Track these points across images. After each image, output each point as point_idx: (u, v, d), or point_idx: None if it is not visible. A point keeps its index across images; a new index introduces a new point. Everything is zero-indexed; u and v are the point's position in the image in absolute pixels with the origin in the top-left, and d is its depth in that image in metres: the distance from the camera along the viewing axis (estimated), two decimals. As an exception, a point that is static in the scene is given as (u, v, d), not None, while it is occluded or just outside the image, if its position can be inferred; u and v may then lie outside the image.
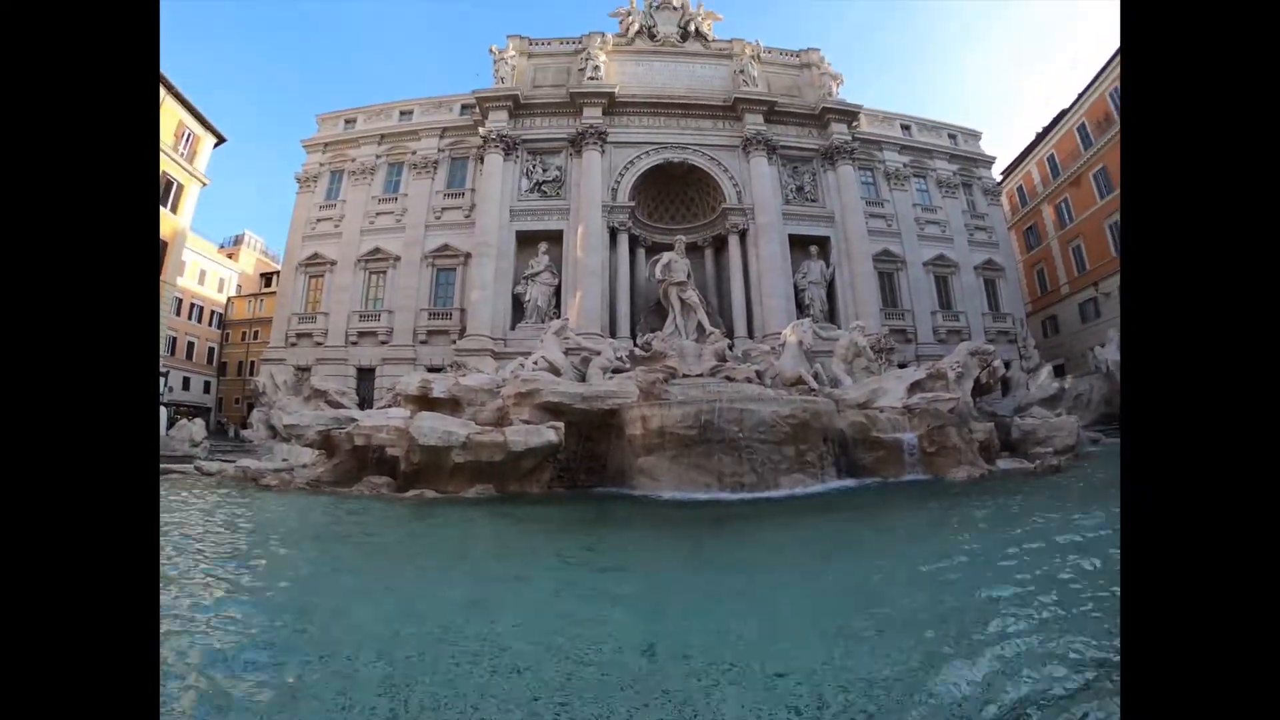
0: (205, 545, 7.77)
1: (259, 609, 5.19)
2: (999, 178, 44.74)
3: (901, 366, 23.53)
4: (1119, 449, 2.66)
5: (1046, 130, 44.74)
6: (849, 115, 34.70)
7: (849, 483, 13.86)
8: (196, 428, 26.92)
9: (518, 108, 32.85)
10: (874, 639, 4.25)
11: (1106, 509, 8.71)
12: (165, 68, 31.43)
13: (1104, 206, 38.38)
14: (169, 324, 38.75)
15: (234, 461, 19.16)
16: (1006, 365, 26.32)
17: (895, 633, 4.33)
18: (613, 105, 32.70)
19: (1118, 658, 3.42)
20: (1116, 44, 37.01)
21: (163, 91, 31.57)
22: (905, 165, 37.54)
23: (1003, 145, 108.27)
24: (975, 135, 41.18)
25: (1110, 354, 27.11)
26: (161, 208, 32.16)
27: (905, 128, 39.26)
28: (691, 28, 36.17)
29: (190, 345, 55.34)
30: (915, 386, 17.49)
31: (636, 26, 35.87)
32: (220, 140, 37.05)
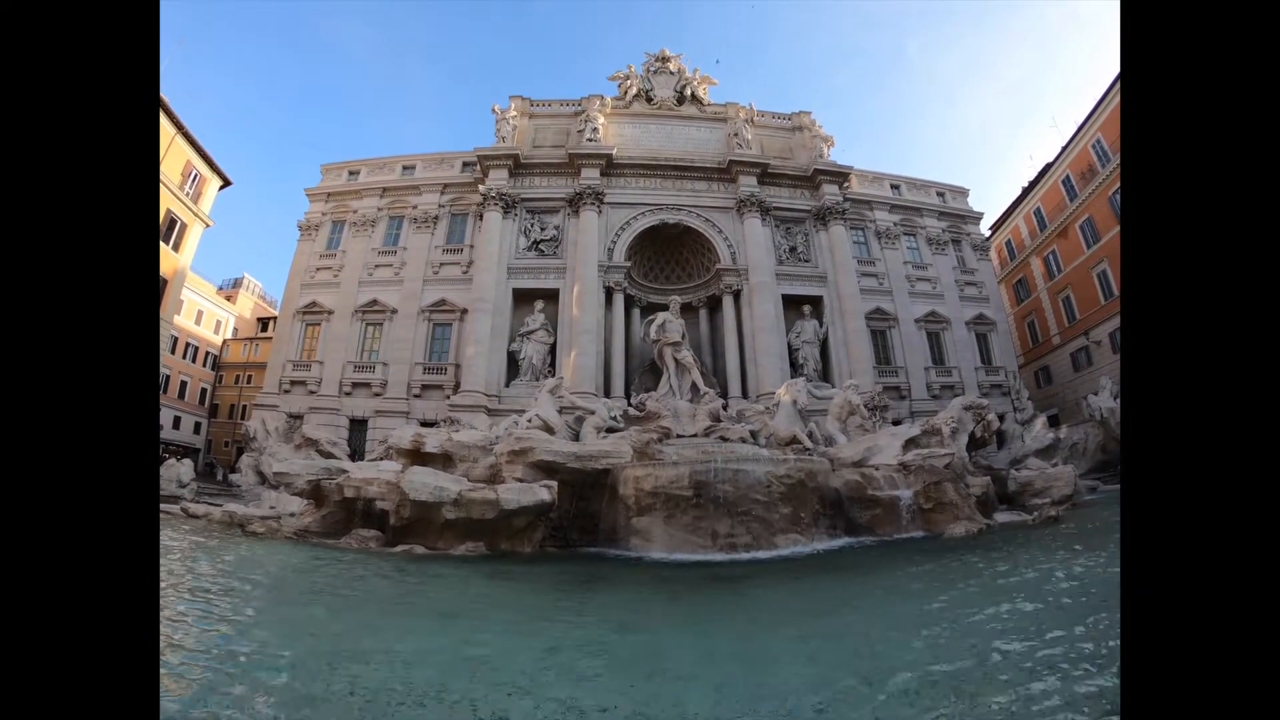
0: (195, 595, 7.58)
1: (240, 659, 5.05)
2: (987, 233, 45.77)
3: (896, 424, 23.62)
4: (1118, 495, 2.72)
5: (1032, 184, 46.03)
6: (840, 176, 35.75)
7: (845, 541, 13.69)
8: (185, 468, 26.48)
9: (518, 167, 33.75)
10: (873, 703, 4.18)
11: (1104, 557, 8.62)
12: (177, 110, 32.69)
13: (1091, 256, 39.21)
14: (163, 361, 38.76)
15: (221, 505, 18.95)
16: (1001, 418, 26.40)
17: (894, 696, 4.27)
18: (610, 166, 33.62)
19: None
20: (1095, 99, 38.73)
21: (173, 131, 32.59)
22: (895, 224, 38.45)
23: (989, 201, 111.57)
24: (963, 192, 42.31)
25: (1104, 401, 27.17)
26: (164, 245, 32.80)
27: (895, 187, 40.39)
28: (687, 92, 37.57)
29: (183, 385, 55.09)
30: (910, 443, 17.50)
31: (634, 90, 37.25)
32: (226, 183, 37.97)
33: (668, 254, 35.02)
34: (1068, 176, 41.68)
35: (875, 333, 34.55)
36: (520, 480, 14.48)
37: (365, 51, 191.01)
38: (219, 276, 70.99)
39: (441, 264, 34.55)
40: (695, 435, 19.13)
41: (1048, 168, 43.91)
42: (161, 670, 4.11)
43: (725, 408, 22.89)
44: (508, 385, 29.81)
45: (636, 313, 32.78)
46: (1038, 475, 18.90)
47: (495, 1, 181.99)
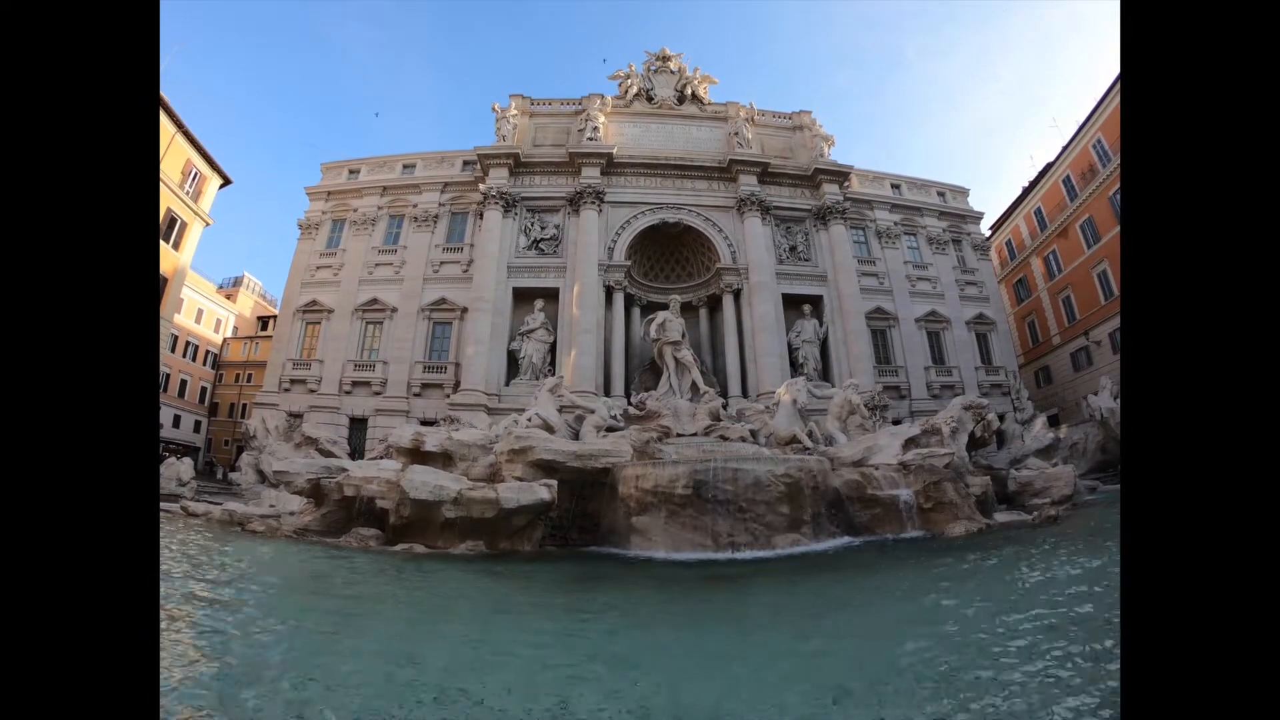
0: (191, 590, 7.58)
1: (237, 662, 4.99)
2: (987, 233, 45.70)
3: (896, 423, 23.60)
4: (1118, 495, 2.72)
5: (1032, 184, 45.93)
6: (840, 176, 35.69)
7: (845, 541, 13.68)
8: (184, 467, 26.54)
9: (518, 166, 33.71)
10: (872, 702, 4.18)
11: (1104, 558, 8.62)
12: (177, 109, 32.72)
13: (1092, 256, 39.13)
14: (163, 359, 38.84)
15: (221, 504, 19.02)
16: (1001, 418, 26.40)
17: (895, 695, 4.27)
18: (610, 165, 33.57)
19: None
20: (1095, 99, 38.72)
21: (173, 130, 32.63)
22: (896, 223, 38.38)
23: (989, 201, 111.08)
24: (963, 192, 42.23)
25: (1103, 401, 27.15)
26: (164, 243, 32.88)
27: (895, 186, 40.31)
28: (688, 91, 37.50)
29: (183, 383, 55.07)
30: (910, 443, 17.49)
31: (635, 89, 37.20)
32: (226, 182, 38.00)
33: (668, 253, 34.96)
34: (1068, 176, 41.65)
35: (875, 332, 34.51)
36: (520, 479, 14.49)
37: (365, 51, 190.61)
38: (219, 275, 71.01)
39: (441, 263, 34.53)
40: (695, 434, 19.15)
41: (1048, 168, 43.85)
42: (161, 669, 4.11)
43: (725, 407, 22.90)
44: (508, 384, 29.78)
45: (636, 312, 32.71)
46: (1037, 475, 18.95)
47: (495, 1, 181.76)
